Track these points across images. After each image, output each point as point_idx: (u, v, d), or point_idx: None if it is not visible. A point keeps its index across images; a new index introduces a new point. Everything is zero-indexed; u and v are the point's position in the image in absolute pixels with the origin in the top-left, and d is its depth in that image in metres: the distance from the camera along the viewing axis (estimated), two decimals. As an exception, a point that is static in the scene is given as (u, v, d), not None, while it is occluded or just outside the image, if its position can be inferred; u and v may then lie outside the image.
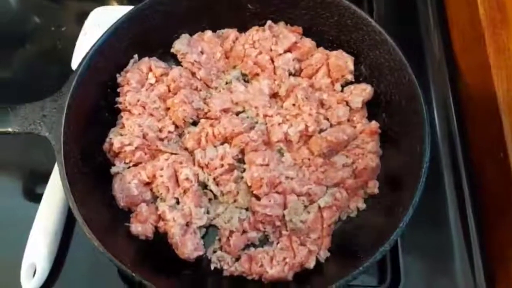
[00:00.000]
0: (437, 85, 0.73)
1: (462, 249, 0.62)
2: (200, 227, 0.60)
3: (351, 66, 0.67)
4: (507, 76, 0.63)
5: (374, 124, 0.64)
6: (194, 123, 0.67)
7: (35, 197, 0.66)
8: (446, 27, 0.78)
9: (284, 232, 0.60)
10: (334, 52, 0.68)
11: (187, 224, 0.59)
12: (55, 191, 0.64)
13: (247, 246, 0.60)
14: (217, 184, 0.62)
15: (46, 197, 0.64)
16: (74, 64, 0.75)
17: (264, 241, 0.61)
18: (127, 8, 0.77)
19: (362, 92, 0.66)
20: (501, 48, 0.65)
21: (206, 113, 0.66)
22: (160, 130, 0.64)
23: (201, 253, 0.59)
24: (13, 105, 0.59)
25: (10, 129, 0.58)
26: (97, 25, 0.77)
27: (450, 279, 0.61)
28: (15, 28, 0.85)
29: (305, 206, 0.60)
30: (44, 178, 0.66)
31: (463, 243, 0.63)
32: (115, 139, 0.62)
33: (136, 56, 0.68)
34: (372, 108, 0.66)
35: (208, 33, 0.71)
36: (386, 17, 0.79)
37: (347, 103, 0.66)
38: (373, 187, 0.62)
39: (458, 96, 0.72)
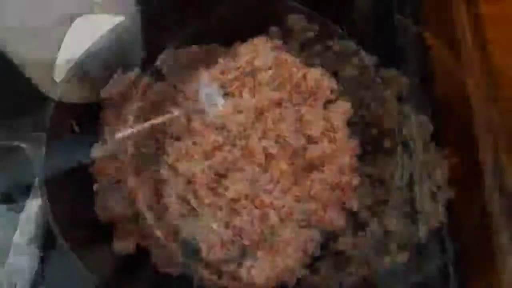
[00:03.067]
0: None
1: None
2: (181, 242, 0.62)
3: (332, 85, 0.68)
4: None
5: (353, 142, 0.66)
6: (177, 138, 0.67)
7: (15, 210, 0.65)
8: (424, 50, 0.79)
9: (262, 246, 0.61)
10: (315, 70, 0.69)
11: (169, 240, 0.61)
12: (35, 204, 0.64)
13: (227, 260, 0.61)
14: (198, 199, 0.63)
15: (26, 211, 0.64)
16: (55, 74, 0.74)
17: (243, 255, 0.62)
18: (109, 18, 0.77)
19: (342, 110, 0.68)
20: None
21: (189, 128, 0.67)
22: (144, 146, 0.65)
23: (182, 268, 0.60)
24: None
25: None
26: (79, 33, 0.76)
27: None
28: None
29: (283, 221, 0.62)
30: (24, 190, 0.66)
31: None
32: (98, 155, 0.62)
33: (119, 70, 0.68)
34: (351, 127, 0.68)
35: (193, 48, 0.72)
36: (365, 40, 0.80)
37: (327, 121, 0.68)
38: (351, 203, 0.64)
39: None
